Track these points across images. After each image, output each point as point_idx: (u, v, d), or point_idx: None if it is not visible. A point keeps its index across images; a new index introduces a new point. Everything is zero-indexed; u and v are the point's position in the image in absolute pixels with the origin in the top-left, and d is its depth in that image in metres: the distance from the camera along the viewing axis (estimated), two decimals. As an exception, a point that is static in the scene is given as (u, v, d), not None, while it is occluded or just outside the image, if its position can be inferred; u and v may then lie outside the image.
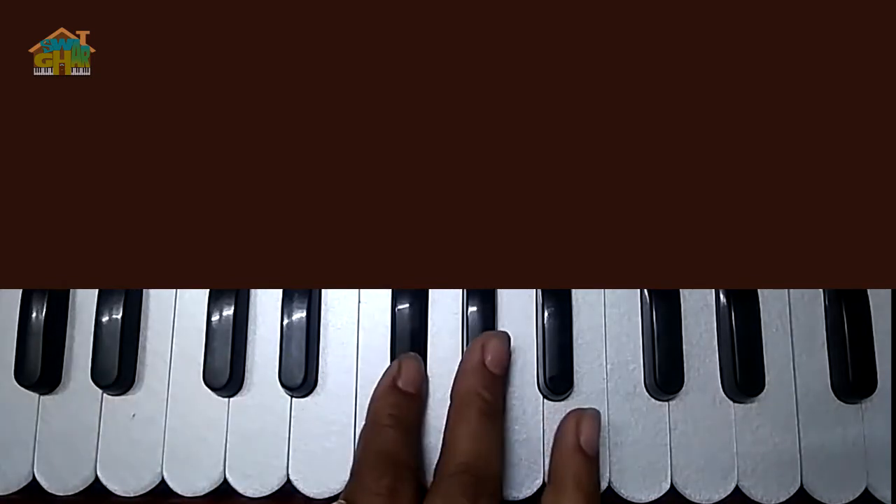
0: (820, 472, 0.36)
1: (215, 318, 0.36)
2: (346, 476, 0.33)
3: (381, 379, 0.35)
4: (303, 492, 0.36)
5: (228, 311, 0.36)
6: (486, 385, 0.34)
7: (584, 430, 0.33)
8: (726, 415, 0.36)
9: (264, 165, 0.32)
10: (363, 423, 0.35)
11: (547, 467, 0.36)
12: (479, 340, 0.35)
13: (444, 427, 0.34)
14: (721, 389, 0.37)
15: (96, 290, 0.37)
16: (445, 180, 0.32)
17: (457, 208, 0.32)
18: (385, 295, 0.37)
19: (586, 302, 0.37)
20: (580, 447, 0.33)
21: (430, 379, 0.37)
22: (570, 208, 0.32)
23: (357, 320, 0.37)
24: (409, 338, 0.36)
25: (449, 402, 0.35)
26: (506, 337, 0.35)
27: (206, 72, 0.32)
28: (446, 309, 0.37)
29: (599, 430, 0.34)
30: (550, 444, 0.36)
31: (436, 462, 0.34)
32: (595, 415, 0.34)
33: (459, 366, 0.35)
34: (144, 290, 0.38)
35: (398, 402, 0.34)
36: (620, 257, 0.33)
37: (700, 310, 0.37)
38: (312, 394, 0.37)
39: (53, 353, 0.37)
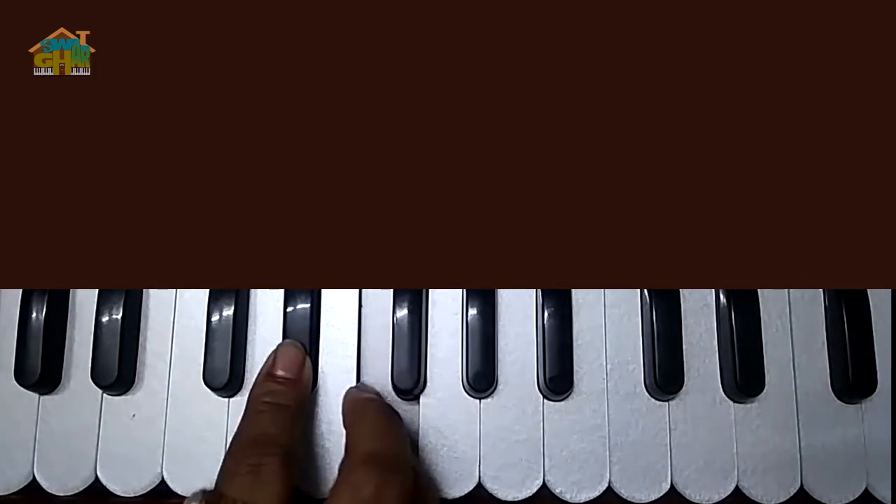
0: (820, 472, 0.36)
1: (215, 318, 0.36)
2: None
3: (259, 372, 0.35)
4: (303, 491, 0.36)
5: (228, 311, 0.36)
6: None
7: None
8: (726, 415, 0.36)
9: (264, 166, 0.32)
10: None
11: (547, 467, 0.36)
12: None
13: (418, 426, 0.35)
14: (721, 389, 0.37)
15: (96, 290, 0.37)
16: (445, 180, 0.32)
17: (457, 208, 0.32)
18: (385, 295, 0.37)
19: (586, 302, 0.37)
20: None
21: (431, 380, 0.37)
22: (569, 208, 0.32)
23: (357, 320, 0.37)
24: (409, 338, 0.36)
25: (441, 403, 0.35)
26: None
27: (206, 72, 0.32)
28: (446, 309, 0.37)
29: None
30: (550, 444, 0.36)
31: (434, 467, 0.35)
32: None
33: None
34: (144, 290, 0.38)
35: (273, 388, 0.34)
36: (620, 257, 0.33)
37: (700, 310, 0.37)
38: (312, 393, 0.37)
39: (53, 353, 0.37)
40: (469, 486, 0.36)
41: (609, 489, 0.36)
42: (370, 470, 0.29)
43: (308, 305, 0.37)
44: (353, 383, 0.37)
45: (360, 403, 0.35)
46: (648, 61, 0.32)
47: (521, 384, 0.37)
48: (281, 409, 0.33)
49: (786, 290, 0.38)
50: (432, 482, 0.35)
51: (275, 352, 0.36)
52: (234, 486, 0.29)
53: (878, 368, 0.36)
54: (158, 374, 0.37)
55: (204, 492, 0.29)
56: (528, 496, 0.36)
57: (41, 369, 0.36)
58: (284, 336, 0.37)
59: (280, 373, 0.35)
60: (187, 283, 0.36)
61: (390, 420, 0.34)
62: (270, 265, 0.33)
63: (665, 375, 0.36)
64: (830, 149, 0.32)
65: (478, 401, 0.37)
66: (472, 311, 0.36)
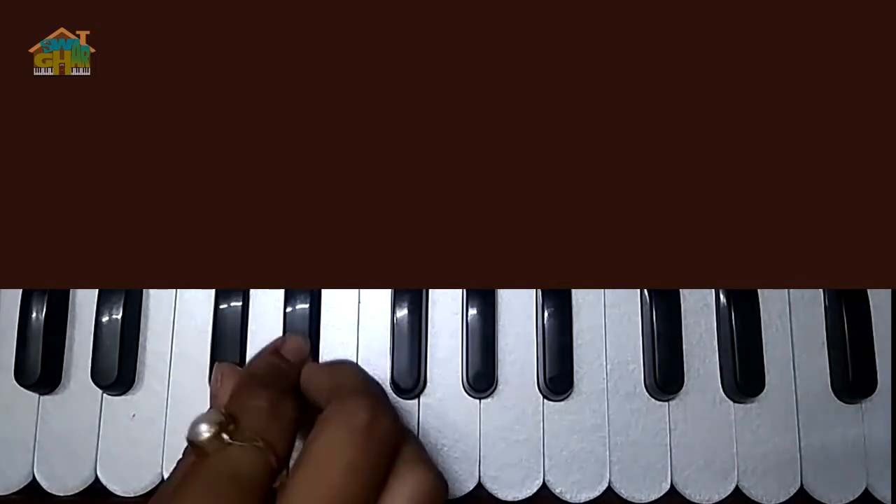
0: (820, 472, 0.36)
1: (219, 318, 0.37)
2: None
3: (262, 349, 0.35)
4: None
5: (232, 311, 0.37)
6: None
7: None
8: (726, 415, 0.36)
9: (265, 166, 0.32)
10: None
11: (547, 467, 0.36)
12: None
13: (418, 426, 0.34)
14: (721, 389, 0.37)
15: (96, 290, 0.37)
16: (445, 180, 0.32)
17: (457, 208, 0.32)
18: (385, 295, 0.37)
19: (586, 302, 0.37)
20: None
21: (430, 380, 0.37)
22: (569, 208, 0.32)
23: (357, 320, 0.37)
24: (409, 338, 0.36)
25: (441, 403, 0.35)
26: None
27: (206, 72, 0.32)
28: (446, 309, 0.37)
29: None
30: (550, 445, 0.36)
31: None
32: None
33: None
34: (144, 290, 0.38)
35: (278, 362, 0.33)
36: (620, 257, 0.33)
37: (700, 310, 0.37)
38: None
39: (53, 353, 0.37)
40: (469, 486, 0.36)
41: (609, 489, 0.36)
42: (364, 398, 0.27)
43: (308, 305, 0.37)
44: (353, 383, 0.37)
45: (332, 366, 0.34)
46: (648, 61, 0.32)
47: (521, 384, 0.37)
48: (284, 378, 0.32)
49: (786, 290, 0.38)
50: (412, 432, 0.34)
51: (284, 337, 0.36)
52: (247, 416, 0.28)
53: (878, 368, 0.36)
54: (158, 374, 0.37)
55: (212, 411, 0.27)
56: (528, 496, 0.36)
57: (41, 369, 0.36)
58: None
59: (286, 353, 0.34)
60: (187, 283, 0.36)
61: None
62: (270, 265, 0.33)
63: (665, 375, 0.36)
64: (830, 149, 0.32)
65: (478, 401, 0.37)
66: (472, 311, 0.36)
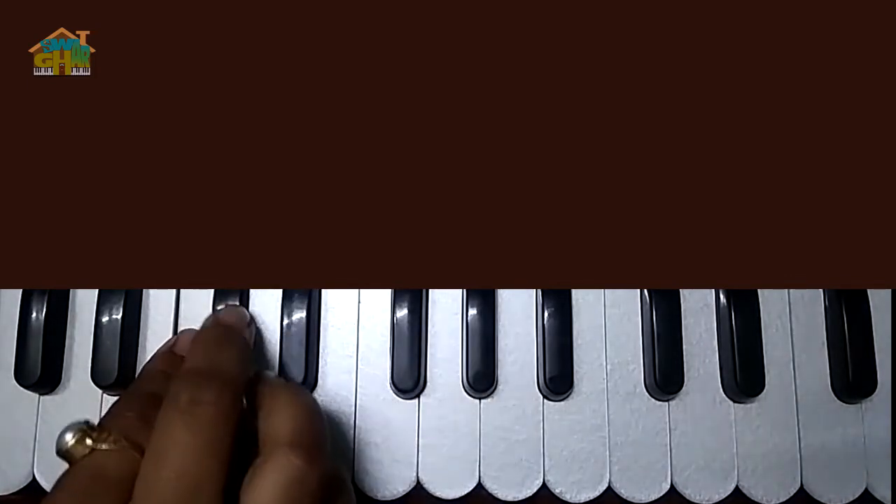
0: (820, 472, 0.36)
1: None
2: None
3: (157, 350, 0.35)
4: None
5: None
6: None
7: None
8: (726, 415, 0.37)
9: (264, 166, 0.32)
10: (362, 423, 0.35)
11: (547, 467, 0.36)
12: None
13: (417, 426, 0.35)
14: (721, 389, 0.37)
15: (96, 290, 0.37)
16: (445, 180, 0.32)
17: (456, 208, 0.32)
18: (385, 295, 0.37)
19: (586, 302, 0.37)
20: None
21: (431, 380, 0.37)
22: (569, 208, 0.32)
23: (357, 320, 0.37)
24: (409, 338, 0.36)
25: (441, 403, 0.35)
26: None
27: (206, 72, 0.32)
28: (446, 309, 0.37)
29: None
30: (550, 445, 0.36)
31: (434, 467, 0.35)
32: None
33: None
34: (144, 290, 0.38)
35: (173, 362, 0.33)
36: (620, 257, 0.33)
37: (700, 310, 0.37)
38: (312, 394, 0.37)
39: (53, 353, 0.37)
40: (469, 486, 0.36)
41: (609, 489, 0.36)
42: (193, 378, 0.28)
43: (307, 305, 0.37)
44: (353, 383, 0.37)
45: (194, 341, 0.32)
46: (648, 61, 0.32)
47: (521, 384, 0.37)
48: (163, 382, 0.31)
49: (786, 290, 0.38)
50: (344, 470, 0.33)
51: (177, 335, 0.36)
52: (113, 423, 0.28)
53: (878, 368, 0.36)
54: (158, 374, 0.37)
55: (77, 421, 0.28)
56: (528, 496, 0.36)
57: (41, 369, 0.36)
58: (283, 336, 0.37)
59: (180, 351, 0.34)
60: (187, 283, 0.36)
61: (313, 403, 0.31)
62: (270, 265, 0.33)
63: (665, 375, 0.36)
64: (830, 148, 0.32)
65: (478, 401, 0.37)
66: (472, 311, 0.36)
